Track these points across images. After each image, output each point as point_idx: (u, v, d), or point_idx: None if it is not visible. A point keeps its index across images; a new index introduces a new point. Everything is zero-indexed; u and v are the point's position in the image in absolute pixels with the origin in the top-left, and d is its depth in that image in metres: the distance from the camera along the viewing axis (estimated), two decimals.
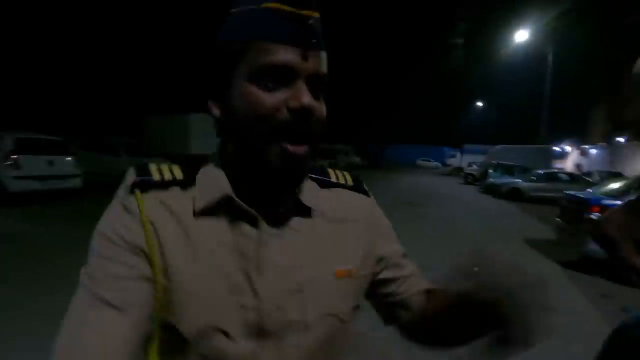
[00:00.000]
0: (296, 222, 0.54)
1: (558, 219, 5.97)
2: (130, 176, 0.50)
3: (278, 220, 0.52)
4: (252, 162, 0.49)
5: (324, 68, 0.49)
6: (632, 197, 1.37)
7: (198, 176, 0.52)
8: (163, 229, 0.48)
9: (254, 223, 0.50)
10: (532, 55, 24.48)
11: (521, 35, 23.26)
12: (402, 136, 46.84)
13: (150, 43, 24.73)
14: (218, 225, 0.50)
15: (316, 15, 0.48)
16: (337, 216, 0.58)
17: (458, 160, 33.49)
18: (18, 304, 3.28)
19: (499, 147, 23.07)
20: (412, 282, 0.64)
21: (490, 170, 17.68)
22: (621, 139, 19.99)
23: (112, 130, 15.23)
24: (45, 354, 0.46)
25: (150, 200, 0.49)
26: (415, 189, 16.22)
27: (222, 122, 0.52)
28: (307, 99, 0.45)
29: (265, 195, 0.51)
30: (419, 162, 40.84)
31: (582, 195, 5.60)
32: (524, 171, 16.38)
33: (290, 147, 0.46)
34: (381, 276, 0.62)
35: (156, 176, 0.51)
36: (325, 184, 0.60)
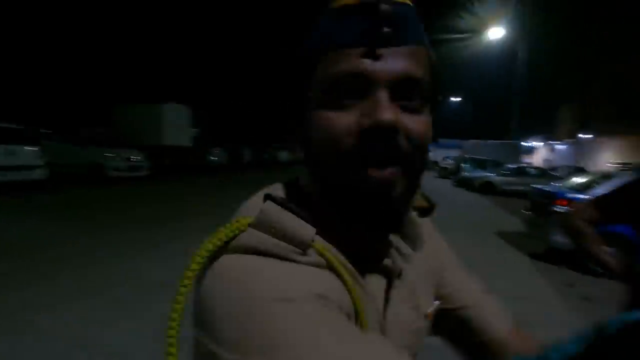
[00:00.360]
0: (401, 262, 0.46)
1: (528, 212, 6.20)
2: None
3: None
4: (336, 203, 0.39)
5: (415, 68, 0.36)
6: (598, 192, 1.41)
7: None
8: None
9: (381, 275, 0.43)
10: (505, 52, 25.24)
11: (495, 33, 23.97)
12: None
13: (118, 27, 23.63)
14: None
15: (398, 1, 0.36)
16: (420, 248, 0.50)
17: (433, 154, 34.24)
18: None
19: (471, 141, 23.85)
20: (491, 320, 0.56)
21: (464, 164, 18.25)
22: (586, 136, 21.08)
23: (78, 120, 14.49)
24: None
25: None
26: None
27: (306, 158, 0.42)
28: (385, 113, 0.34)
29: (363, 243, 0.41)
30: None
31: (548, 189, 5.83)
32: (496, 165, 16.96)
33: (374, 173, 0.35)
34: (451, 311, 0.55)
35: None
36: None
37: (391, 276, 0.43)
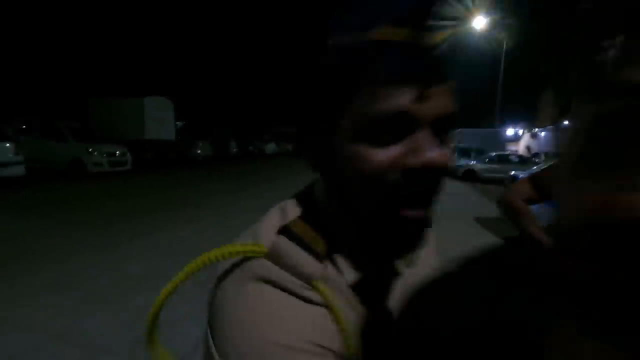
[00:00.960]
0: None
1: None
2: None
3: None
4: (363, 231, 0.40)
5: (452, 103, 0.37)
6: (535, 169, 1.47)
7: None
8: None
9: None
10: (488, 40, 25.43)
11: (479, 22, 24.13)
12: None
13: (97, 17, 22.89)
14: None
15: (442, 38, 0.35)
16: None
17: None
18: None
19: (456, 130, 24.10)
20: None
21: None
22: (567, 122, 21.49)
23: (53, 112, 14.12)
24: None
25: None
26: None
27: (322, 174, 0.43)
28: (432, 153, 0.34)
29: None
30: None
31: (522, 175, 6.03)
32: (480, 153, 17.25)
33: (410, 212, 0.36)
34: None
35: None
36: None
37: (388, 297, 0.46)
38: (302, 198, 0.45)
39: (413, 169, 0.34)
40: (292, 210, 0.43)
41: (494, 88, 24.29)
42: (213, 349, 0.35)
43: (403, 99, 0.33)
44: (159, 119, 13.20)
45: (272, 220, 0.42)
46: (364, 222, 0.39)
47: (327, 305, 0.38)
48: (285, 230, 0.40)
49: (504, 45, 22.26)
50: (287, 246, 0.38)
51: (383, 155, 0.35)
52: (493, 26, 23.10)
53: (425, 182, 0.35)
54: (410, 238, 0.38)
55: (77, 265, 3.87)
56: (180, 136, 15.65)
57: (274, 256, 0.38)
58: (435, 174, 0.35)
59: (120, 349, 2.39)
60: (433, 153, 0.34)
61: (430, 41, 0.33)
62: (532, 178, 1.47)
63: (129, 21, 23.49)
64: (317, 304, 0.37)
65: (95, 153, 10.20)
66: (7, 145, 8.12)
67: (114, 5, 22.91)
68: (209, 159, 18.92)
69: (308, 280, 0.37)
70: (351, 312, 0.40)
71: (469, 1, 24.78)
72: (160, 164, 12.56)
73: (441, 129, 0.36)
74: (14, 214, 6.10)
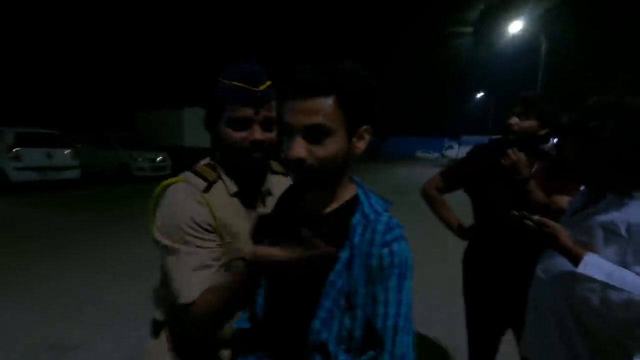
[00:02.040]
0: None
1: None
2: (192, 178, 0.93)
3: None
4: (235, 168, 0.96)
5: (272, 113, 0.92)
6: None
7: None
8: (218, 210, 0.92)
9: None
10: (527, 46, 24.55)
11: (515, 26, 23.36)
12: (402, 128, 46.96)
13: (141, 43, 25.18)
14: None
15: (266, 85, 0.91)
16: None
17: (455, 151, 33.71)
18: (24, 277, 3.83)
19: (493, 138, 23.26)
20: None
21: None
22: None
23: (106, 124, 15.76)
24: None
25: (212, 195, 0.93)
26: (409, 179, 16.60)
27: (216, 143, 0.96)
28: (257, 134, 0.90)
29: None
30: (418, 153, 41.08)
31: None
32: None
33: (254, 144, 0.90)
34: None
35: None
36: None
37: (259, 204, 1.02)
38: (205, 160, 1.01)
39: (251, 139, 0.91)
40: (203, 162, 1.00)
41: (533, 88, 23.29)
42: (156, 224, 0.88)
43: (245, 111, 0.89)
44: (197, 128, 14.29)
45: (189, 170, 0.98)
46: (234, 163, 0.93)
47: (208, 204, 0.90)
48: (194, 171, 0.95)
49: (542, 50, 21.40)
50: (190, 176, 0.94)
51: (238, 134, 0.91)
52: (531, 30, 22.31)
53: (256, 144, 0.91)
54: (254, 163, 0.93)
55: (117, 251, 4.58)
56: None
57: (185, 180, 0.92)
58: (258, 143, 0.91)
59: (138, 311, 2.97)
60: (258, 134, 0.91)
61: (256, 87, 0.90)
62: (443, 172, 1.81)
63: (172, 44, 25.74)
64: (201, 204, 0.90)
65: (139, 159, 11.31)
66: (67, 151, 9.35)
67: (154, 34, 25.25)
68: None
69: (199, 191, 0.91)
70: (230, 208, 0.94)
71: (504, 7, 24.16)
72: None
73: (266, 125, 0.92)
74: (69, 210, 7.10)
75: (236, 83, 0.89)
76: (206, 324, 0.81)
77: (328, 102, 0.67)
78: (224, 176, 0.96)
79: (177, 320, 0.87)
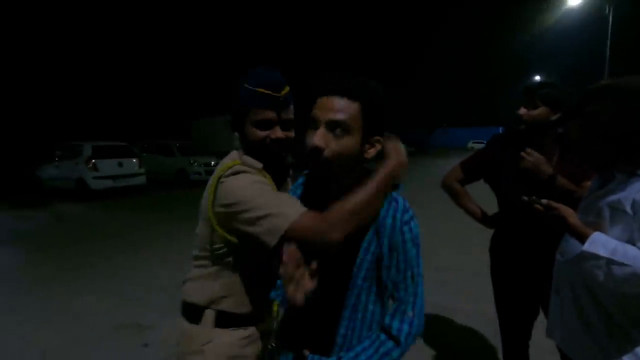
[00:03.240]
0: None
1: None
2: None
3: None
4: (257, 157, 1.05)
5: (290, 115, 1.05)
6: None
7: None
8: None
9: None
10: (589, 17, 22.24)
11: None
12: (451, 119, 44.93)
13: (195, 58, 26.96)
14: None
15: (286, 91, 1.02)
16: None
17: None
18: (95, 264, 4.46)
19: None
20: None
21: None
22: None
23: (166, 134, 17.12)
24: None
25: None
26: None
27: (242, 142, 1.07)
28: (278, 132, 1.02)
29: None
30: (470, 144, 39.13)
31: None
32: None
33: (275, 140, 1.02)
34: None
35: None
36: None
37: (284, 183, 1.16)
38: (234, 152, 1.10)
39: (272, 137, 1.03)
40: (235, 155, 1.08)
41: (600, 71, 21.11)
42: (226, 209, 0.94)
43: (268, 114, 1.01)
44: None
45: (233, 156, 1.08)
46: (260, 155, 1.04)
47: (264, 176, 1.03)
48: (243, 156, 1.05)
49: (610, 20, 19.20)
50: (246, 159, 1.04)
51: (262, 133, 1.03)
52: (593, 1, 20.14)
53: (276, 141, 1.04)
54: (276, 158, 1.07)
55: (177, 245, 5.11)
56: None
57: (243, 163, 1.03)
58: (277, 141, 1.04)
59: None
60: (279, 133, 1.04)
61: (278, 93, 1.02)
62: (462, 163, 1.84)
63: (222, 56, 27.32)
64: (260, 174, 1.02)
65: (195, 164, 12.21)
66: (134, 160, 10.41)
67: (207, 48, 26.89)
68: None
69: (256, 168, 1.02)
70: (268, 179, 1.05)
71: None
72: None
73: (285, 125, 1.05)
74: (138, 212, 7.95)
75: (261, 90, 0.99)
76: (337, 219, 0.82)
77: (353, 105, 0.82)
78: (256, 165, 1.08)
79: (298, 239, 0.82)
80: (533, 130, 1.52)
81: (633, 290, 0.97)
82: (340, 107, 0.81)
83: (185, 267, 1.21)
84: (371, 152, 0.88)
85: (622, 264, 0.95)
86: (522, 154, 1.50)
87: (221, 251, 1.03)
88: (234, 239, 0.97)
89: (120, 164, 9.97)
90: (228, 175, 0.96)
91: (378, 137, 0.87)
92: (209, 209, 0.99)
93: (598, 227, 1.06)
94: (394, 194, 0.90)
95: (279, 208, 0.86)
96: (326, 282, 0.83)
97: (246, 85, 1.01)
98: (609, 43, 19.64)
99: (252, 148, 1.04)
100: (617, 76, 1.07)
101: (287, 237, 0.81)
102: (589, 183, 1.42)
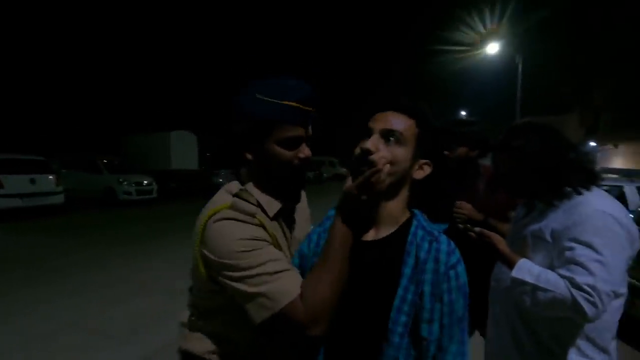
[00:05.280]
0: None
1: None
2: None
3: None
4: (276, 189, 0.93)
5: (311, 131, 0.91)
6: None
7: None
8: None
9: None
10: (504, 64, 25.49)
11: (492, 48, 24.32)
12: None
13: (126, 67, 25.17)
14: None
15: (313, 108, 0.88)
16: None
17: None
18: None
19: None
20: None
21: None
22: (593, 144, 21.00)
23: (90, 149, 15.65)
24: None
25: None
26: None
27: (253, 163, 0.91)
28: (306, 151, 0.90)
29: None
30: None
31: None
32: None
33: (300, 165, 0.90)
34: None
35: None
36: None
37: (292, 221, 1.01)
38: (234, 183, 0.96)
39: (301, 157, 0.90)
40: (233, 188, 0.94)
41: (512, 111, 24.09)
42: (211, 256, 0.82)
43: (298, 131, 0.87)
44: (183, 151, 14.33)
45: (224, 194, 0.93)
46: (279, 183, 0.91)
47: (263, 225, 0.88)
48: (235, 195, 0.90)
49: (519, 69, 22.28)
50: (238, 201, 0.88)
51: (289, 153, 0.88)
52: (507, 50, 23.26)
53: (304, 161, 0.91)
54: (301, 180, 0.94)
55: (102, 275, 4.55)
56: (203, 166, 16.59)
57: (233, 207, 0.87)
58: (306, 160, 0.90)
59: (122, 337, 2.95)
60: (307, 151, 0.90)
61: (309, 107, 0.87)
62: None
63: (158, 68, 25.86)
64: (258, 225, 0.87)
65: (125, 183, 11.24)
66: (50, 177, 9.27)
67: (140, 57, 25.33)
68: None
69: (251, 215, 0.87)
70: (274, 230, 0.91)
71: (482, 26, 25.16)
72: (184, 192, 13.42)
73: (309, 141, 0.92)
74: (54, 235, 7.01)
75: (292, 103, 0.84)
76: (320, 311, 0.75)
77: (409, 122, 0.82)
78: (262, 198, 0.92)
79: (280, 328, 0.80)
80: (463, 165, 1.65)
81: (555, 314, 1.05)
82: (398, 120, 0.81)
83: (109, 300, 1.05)
84: (420, 174, 0.84)
85: (545, 290, 1.02)
86: (455, 209, 1.60)
87: (212, 293, 0.91)
88: (217, 288, 0.87)
89: (32, 181, 8.79)
90: (215, 221, 0.85)
91: (428, 162, 0.85)
92: (196, 246, 0.88)
93: (524, 255, 1.14)
94: (435, 232, 0.81)
95: (264, 284, 0.79)
96: (356, 341, 0.78)
97: (265, 98, 0.84)
98: (519, 88, 22.70)
99: (274, 170, 0.90)
100: (530, 116, 1.23)
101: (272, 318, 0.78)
102: (514, 213, 1.56)
